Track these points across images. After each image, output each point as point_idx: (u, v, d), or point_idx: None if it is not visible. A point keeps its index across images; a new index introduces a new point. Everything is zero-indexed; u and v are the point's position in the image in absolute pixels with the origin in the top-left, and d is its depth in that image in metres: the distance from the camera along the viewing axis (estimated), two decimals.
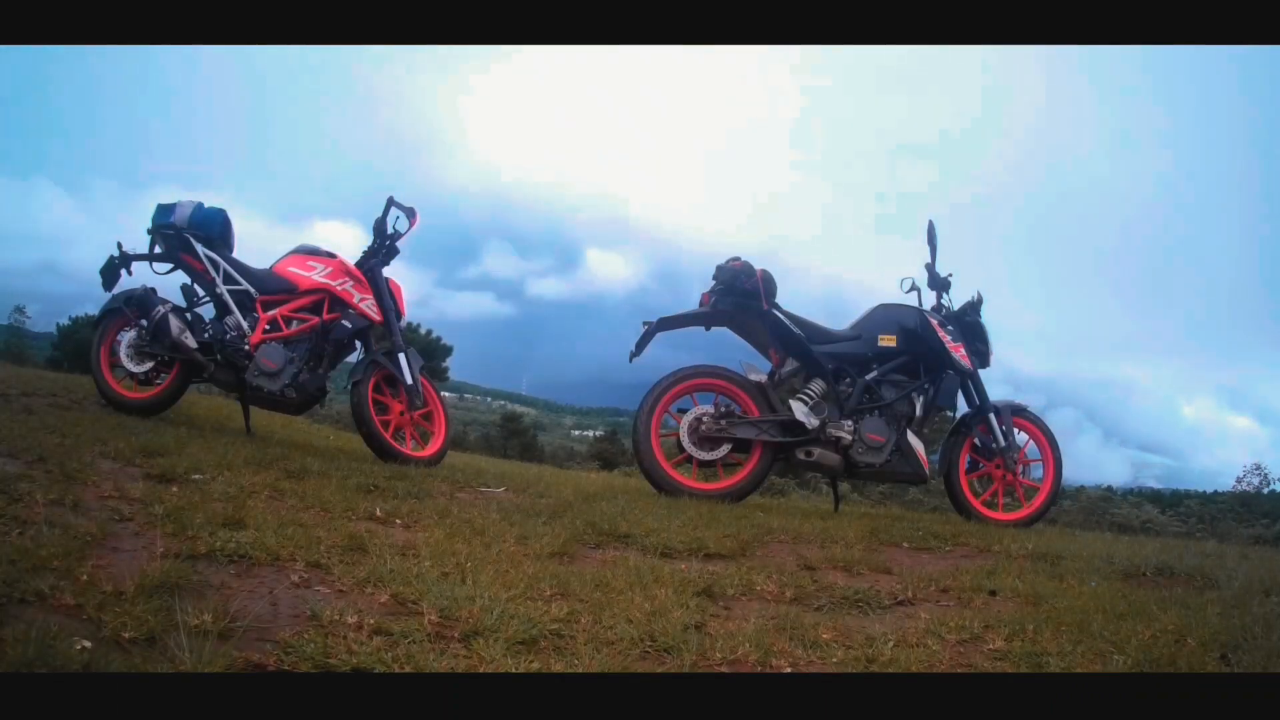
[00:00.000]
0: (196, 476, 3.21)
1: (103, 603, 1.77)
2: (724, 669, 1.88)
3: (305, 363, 4.68)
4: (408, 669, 1.66)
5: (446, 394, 13.31)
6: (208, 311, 4.88)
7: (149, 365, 4.76)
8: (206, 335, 4.71)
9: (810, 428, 4.42)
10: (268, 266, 4.88)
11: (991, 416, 4.71)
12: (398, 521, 3.04)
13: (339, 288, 4.78)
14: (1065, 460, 4.76)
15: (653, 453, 4.42)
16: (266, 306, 4.77)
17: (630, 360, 4.61)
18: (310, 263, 4.85)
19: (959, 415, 4.87)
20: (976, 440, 4.77)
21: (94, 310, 5.23)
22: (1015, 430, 4.73)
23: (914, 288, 4.77)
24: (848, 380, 4.65)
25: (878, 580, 2.82)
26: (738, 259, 4.57)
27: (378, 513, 3.07)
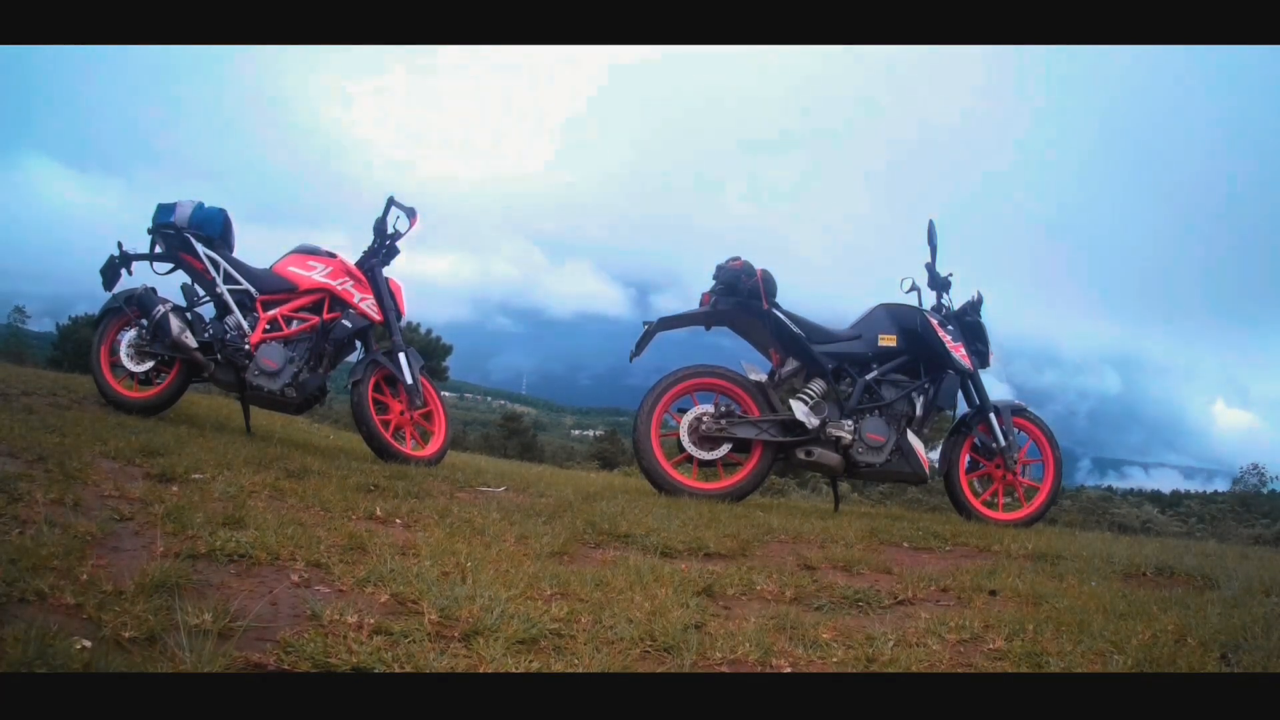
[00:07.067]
0: (196, 476, 3.21)
1: (103, 602, 1.77)
2: (724, 669, 1.88)
3: (305, 362, 4.69)
4: (408, 669, 1.66)
5: (446, 394, 13.32)
6: (208, 311, 4.89)
7: (149, 365, 4.77)
8: (207, 335, 4.72)
9: (810, 427, 4.42)
10: (268, 266, 4.89)
11: (992, 416, 4.71)
12: (398, 521, 3.04)
13: (339, 287, 4.79)
14: None
15: (653, 452, 4.42)
16: (267, 306, 4.78)
17: (630, 360, 4.62)
18: (310, 262, 4.86)
19: (959, 415, 4.87)
20: (977, 440, 4.78)
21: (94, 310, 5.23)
22: (1015, 430, 4.74)
23: (914, 288, 4.78)
24: (848, 380, 4.65)
25: (878, 580, 2.82)
26: (738, 259, 4.57)
27: (378, 512, 3.07)
